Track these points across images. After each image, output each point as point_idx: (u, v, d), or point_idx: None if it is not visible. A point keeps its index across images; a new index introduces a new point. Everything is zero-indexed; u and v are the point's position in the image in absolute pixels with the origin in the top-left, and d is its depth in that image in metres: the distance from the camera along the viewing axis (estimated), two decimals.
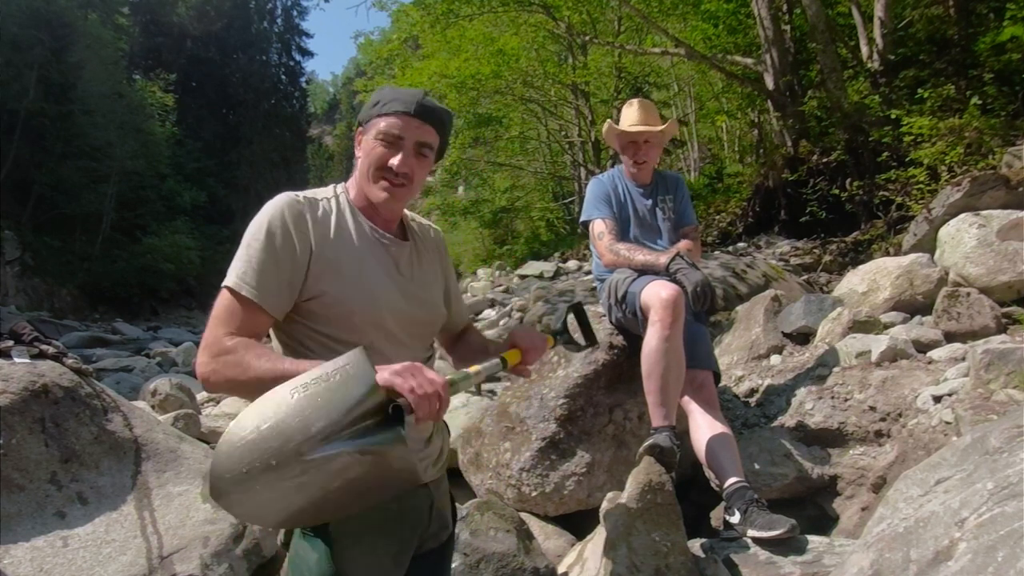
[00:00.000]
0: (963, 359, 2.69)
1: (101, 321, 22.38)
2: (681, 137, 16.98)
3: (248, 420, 1.03)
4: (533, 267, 12.45)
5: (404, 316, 1.39)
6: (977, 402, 2.31)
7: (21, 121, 25.10)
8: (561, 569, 2.36)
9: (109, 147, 27.82)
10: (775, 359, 3.36)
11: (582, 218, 2.94)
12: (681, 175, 3.32)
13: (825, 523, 2.51)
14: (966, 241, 3.36)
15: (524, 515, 2.61)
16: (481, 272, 16.20)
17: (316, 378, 1.06)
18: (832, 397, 2.74)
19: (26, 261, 24.25)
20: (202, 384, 1.24)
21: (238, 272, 1.27)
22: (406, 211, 1.52)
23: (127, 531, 2.23)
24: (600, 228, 2.80)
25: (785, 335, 3.48)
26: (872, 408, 2.63)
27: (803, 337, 3.42)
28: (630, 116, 2.88)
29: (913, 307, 3.35)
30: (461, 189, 23.84)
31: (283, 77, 48.90)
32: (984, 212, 3.54)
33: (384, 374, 1.11)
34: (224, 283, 1.28)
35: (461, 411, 3.67)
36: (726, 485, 2.23)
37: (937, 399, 2.50)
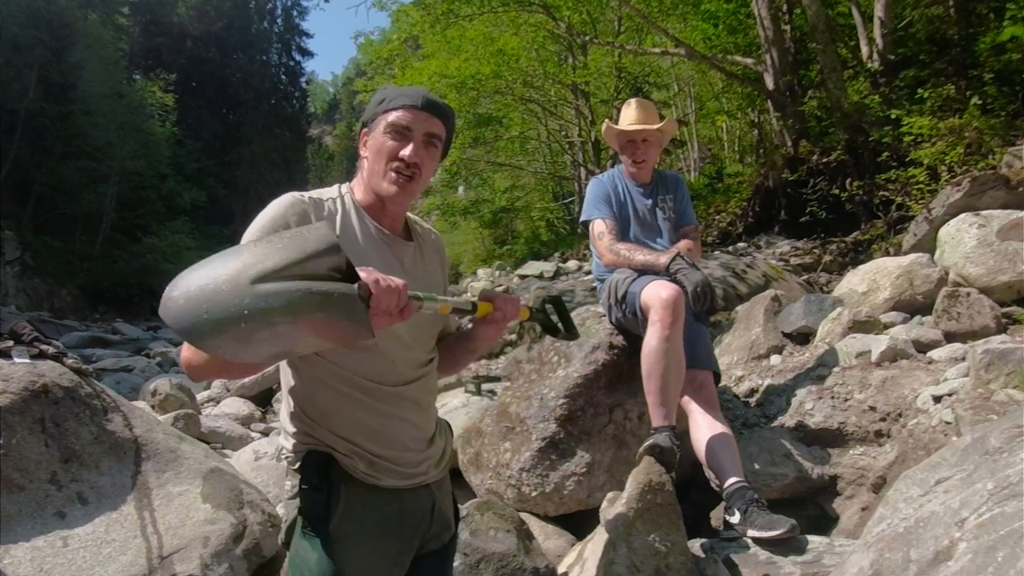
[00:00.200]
0: (963, 359, 2.69)
1: (101, 321, 22.33)
2: (681, 137, 16.96)
3: (211, 267, 1.08)
4: (533, 267, 12.41)
5: None
6: (977, 402, 2.31)
7: (21, 121, 25.09)
8: (561, 569, 2.36)
9: (109, 147, 27.80)
10: (775, 359, 3.36)
11: (582, 218, 2.94)
12: (681, 175, 3.32)
13: (825, 523, 2.51)
14: (966, 241, 3.37)
15: (524, 515, 2.60)
16: (481, 272, 16.15)
17: (280, 234, 1.17)
18: (832, 397, 2.74)
19: (26, 261, 24.23)
20: (186, 372, 1.25)
21: None
22: (408, 214, 1.53)
23: (127, 531, 2.22)
24: (600, 228, 2.80)
25: (785, 335, 3.48)
26: (872, 408, 2.63)
27: (803, 337, 3.42)
28: (629, 115, 2.89)
29: (913, 307, 3.35)
30: (461, 189, 23.78)
31: (283, 77, 49.01)
32: (984, 212, 3.54)
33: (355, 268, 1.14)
34: None
35: (461, 411, 3.67)
36: (726, 485, 2.23)
37: (937, 399, 2.50)
